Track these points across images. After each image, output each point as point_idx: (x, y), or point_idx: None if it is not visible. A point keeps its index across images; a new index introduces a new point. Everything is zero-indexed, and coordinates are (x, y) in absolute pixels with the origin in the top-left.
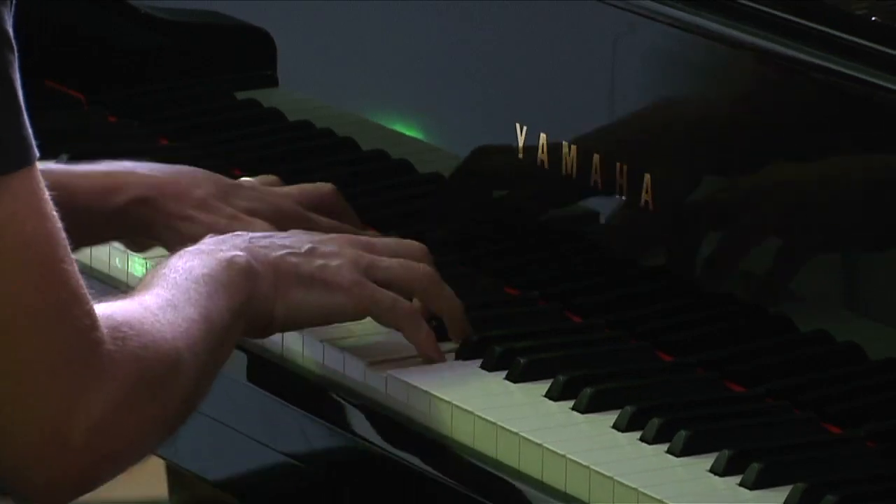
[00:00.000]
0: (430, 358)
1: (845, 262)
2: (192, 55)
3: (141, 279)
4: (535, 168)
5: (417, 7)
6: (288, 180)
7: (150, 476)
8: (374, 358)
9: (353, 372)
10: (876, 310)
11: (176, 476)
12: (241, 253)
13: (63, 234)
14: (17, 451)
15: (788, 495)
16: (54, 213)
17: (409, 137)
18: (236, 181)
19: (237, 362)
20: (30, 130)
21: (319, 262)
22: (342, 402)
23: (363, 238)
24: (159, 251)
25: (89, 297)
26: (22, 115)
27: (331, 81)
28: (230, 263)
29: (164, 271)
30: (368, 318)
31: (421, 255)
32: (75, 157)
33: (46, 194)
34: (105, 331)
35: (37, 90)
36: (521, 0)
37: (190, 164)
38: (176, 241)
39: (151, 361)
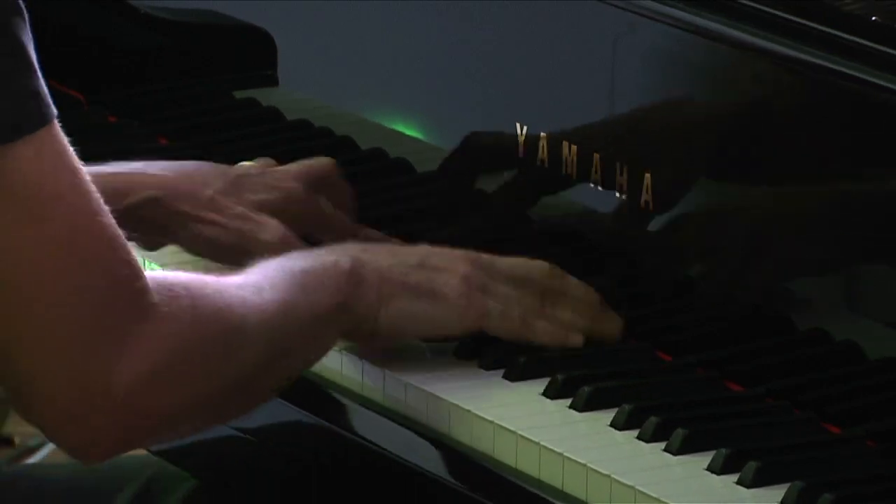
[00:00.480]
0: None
1: (845, 261)
2: (191, 55)
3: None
4: (535, 167)
5: (417, 6)
6: None
7: None
8: (371, 358)
9: (351, 370)
10: (875, 309)
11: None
12: (346, 258)
13: (93, 188)
14: (58, 407)
15: (786, 494)
16: (81, 167)
17: (408, 137)
18: (244, 170)
19: None
20: (45, 89)
21: (428, 274)
22: (340, 399)
23: (484, 256)
24: (170, 249)
25: (129, 248)
26: (36, 75)
27: (330, 81)
28: (334, 265)
29: (260, 265)
30: None
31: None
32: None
33: (71, 152)
34: (153, 285)
35: None
36: (522, 0)
37: None
38: (188, 240)
39: (204, 323)
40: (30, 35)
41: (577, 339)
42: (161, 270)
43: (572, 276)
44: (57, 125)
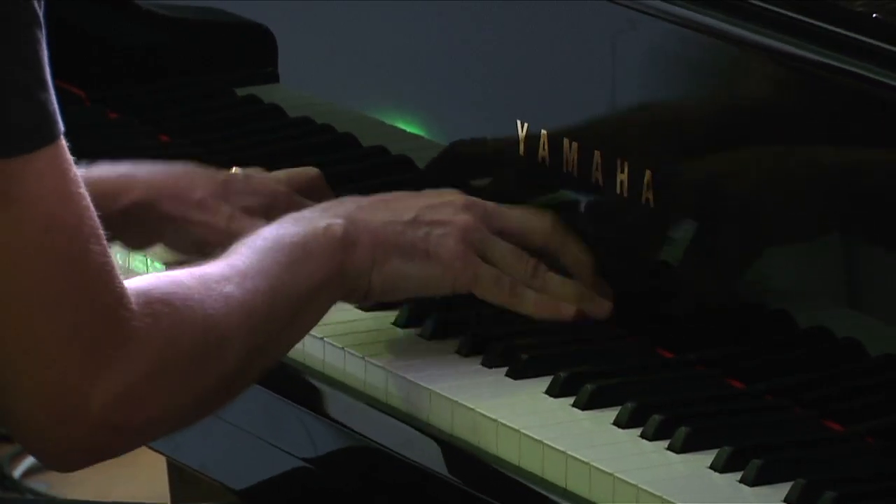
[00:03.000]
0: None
1: (846, 258)
2: (192, 52)
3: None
4: (535, 165)
5: (418, 4)
6: None
7: (151, 472)
8: (374, 354)
9: (354, 369)
10: (876, 306)
11: (177, 474)
12: (339, 221)
13: (90, 212)
14: (34, 420)
15: (788, 492)
16: (81, 189)
17: (409, 134)
18: (230, 175)
19: None
20: (55, 106)
21: (424, 230)
22: (343, 398)
23: (486, 204)
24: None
25: (117, 273)
26: (48, 90)
27: (331, 78)
28: (325, 231)
29: (252, 237)
30: (373, 314)
31: (545, 223)
32: (76, 155)
33: (73, 170)
34: (136, 307)
35: None
36: None
37: (191, 160)
38: (178, 242)
39: (186, 340)
40: (45, 47)
41: (568, 312)
42: (145, 277)
43: (573, 236)
44: (63, 143)
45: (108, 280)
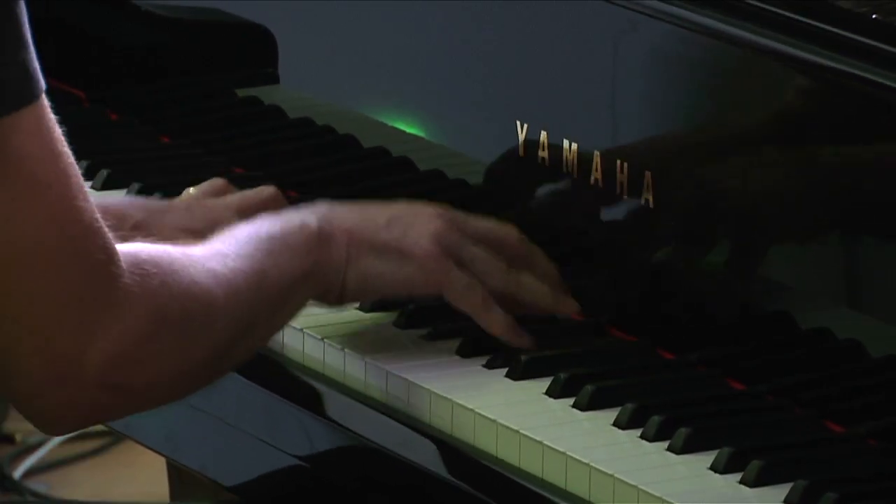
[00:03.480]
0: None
1: (846, 259)
2: (192, 53)
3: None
4: (535, 166)
5: (418, 4)
6: (288, 178)
7: (151, 473)
8: (374, 355)
9: (354, 370)
10: (877, 307)
11: (177, 475)
12: (314, 218)
13: (76, 169)
14: (30, 381)
15: (789, 493)
16: (66, 147)
17: (410, 135)
18: (169, 202)
19: None
20: (36, 64)
21: (398, 231)
22: (342, 399)
23: (457, 213)
24: None
25: (106, 231)
26: (28, 49)
27: (331, 79)
28: (301, 227)
29: (229, 230)
30: (373, 315)
31: (513, 233)
32: (75, 155)
33: (57, 129)
34: (125, 266)
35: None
36: None
37: (191, 161)
38: None
39: (175, 301)
40: (24, 6)
41: (532, 342)
42: (131, 244)
43: (537, 247)
44: (45, 102)
45: (97, 237)
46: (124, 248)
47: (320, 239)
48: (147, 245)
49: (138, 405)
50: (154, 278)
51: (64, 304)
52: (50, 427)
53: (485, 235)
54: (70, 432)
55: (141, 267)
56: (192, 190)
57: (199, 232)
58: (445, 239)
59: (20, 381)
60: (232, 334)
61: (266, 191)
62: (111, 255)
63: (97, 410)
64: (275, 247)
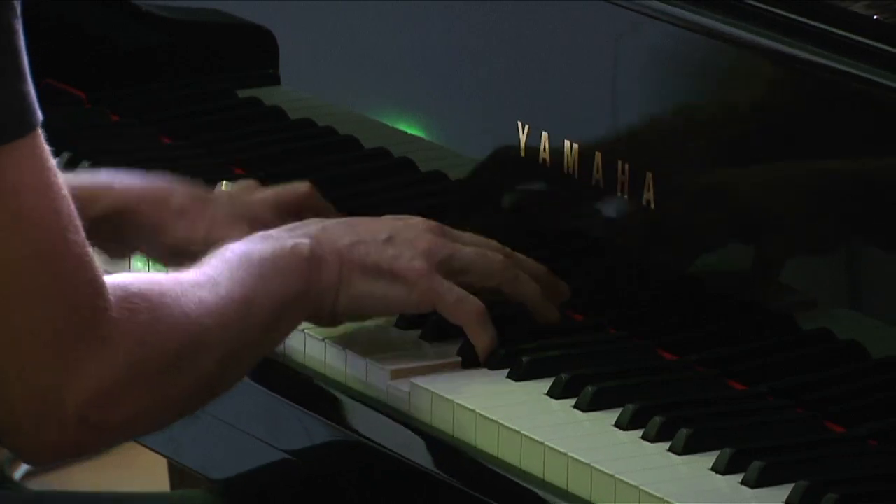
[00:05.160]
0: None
1: (847, 260)
2: (193, 53)
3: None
4: (536, 166)
5: (419, 5)
6: (289, 178)
7: (151, 474)
8: (376, 356)
9: (355, 370)
10: (878, 308)
11: (177, 474)
12: (305, 240)
13: (68, 202)
14: (11, 416)
15: (790, 494)
16: (58, 179)
17: (411, 136)
18: (212, 195)
19: None
20: (33, 95)
21: (390, 251)
22: (344, 400)
23: (446, 228)
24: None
25: (95, 265)
26: (25, 79)
27: (333, 79)
28: (293, 250)
29: (221, 251)
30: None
31: (498, 250)
32: (77, 156)
33: (51, 160)
34: (113, 300)
35: (38, 89)
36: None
37: (192, 162)
38: (155, 250)
39: (163, 336)
40: (22, 37)
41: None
42: (122, 274)
43: (525, 259)
44: (41, 134)
45: (85, 271)
46: (114, 281)
47: (311, 262)
48: (138, 277)
49: (117, 441)
50: (143, 314)
51: (46, 339)
52: (34, 460)
53: (471, 242)
54: (55, 462)
55: (130, 301)
56: (224, 184)
57: (237, 222)
58: (437, 253)
59: (1, 415)
60: (221, 363)
61: (301, 187)
62: (98, 288)
63: (78, 447)
64: (266, 272)
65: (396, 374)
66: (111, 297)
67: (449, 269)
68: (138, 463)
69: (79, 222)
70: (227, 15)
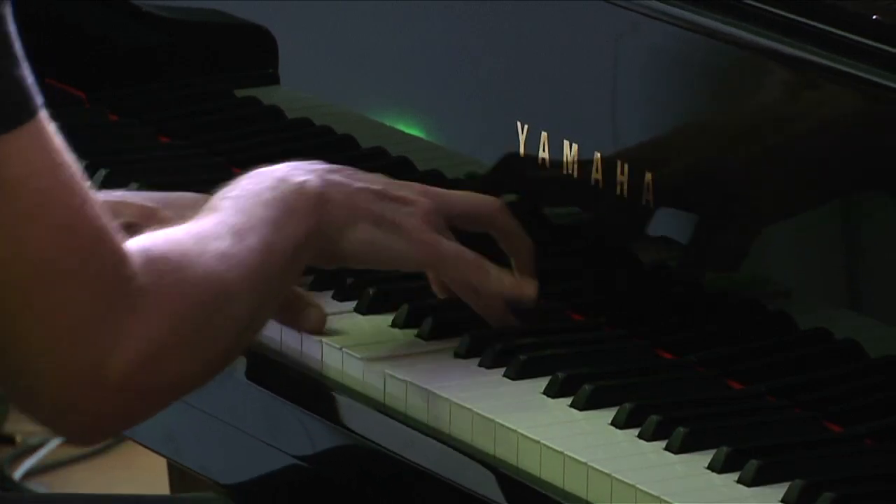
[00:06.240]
0: (497, 316)
1: (846, 260)
2: (192, 53)
3: (208, 201)
4: (536, 167)
5: (418, 5)
6: None
7: (151, 474)
8: (372, 355)
9: (352, 369)
10: (876, 308)
11: (177, 475)
12: (313, 178)
13: (80, 177)
14: (55, 396)
15: (786, 492)
16: (67, 157)
17: (408, 135)
18: (195, 197)
19: (237, 361)
20: (31, 80)
21: (392, 205)
22: (341, 400)
23: (436, 189)
24: None
25: (114, 236)
26: (20, 66)
27: (330, 79)
28: (301, 188)
29: (232, 194)
30: (371, 315)
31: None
32: (76, 156)
33: (56, 141)
34: (138, 266)
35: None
36: None
37: (190, 161)
38: None
39: (193, 295)
40: (13, 24)
41: (530, 290)
42: (141, 237)
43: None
44: (43, 115)
45: (106, 243)
46: (134, 246)
47: (320, 199)
48: (157, 238)
49: (165, 403)
50: (168, 276)
51: (80, 316)
52: (83, 439)
53: (462, 209)
54: (105, 440)
55: (154, 265)
56: None
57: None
58: (432, 218)
59: (45, 398)
60: (249, 312)
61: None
62: (122, 258)
63: (128, 416)
64: (279, 214)
65: (393, 375)
66: (135, 265)
67: (445, 214)
68: (138, 463)
69: (92, 196)
70: (227, 15)
